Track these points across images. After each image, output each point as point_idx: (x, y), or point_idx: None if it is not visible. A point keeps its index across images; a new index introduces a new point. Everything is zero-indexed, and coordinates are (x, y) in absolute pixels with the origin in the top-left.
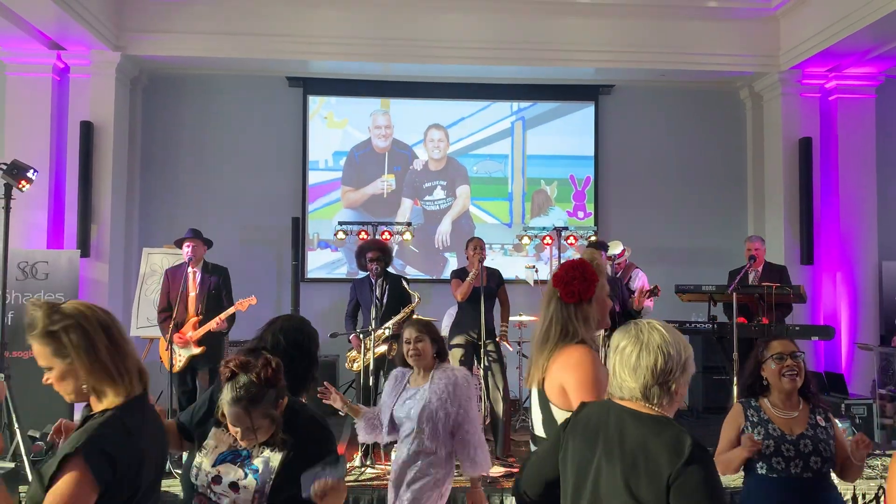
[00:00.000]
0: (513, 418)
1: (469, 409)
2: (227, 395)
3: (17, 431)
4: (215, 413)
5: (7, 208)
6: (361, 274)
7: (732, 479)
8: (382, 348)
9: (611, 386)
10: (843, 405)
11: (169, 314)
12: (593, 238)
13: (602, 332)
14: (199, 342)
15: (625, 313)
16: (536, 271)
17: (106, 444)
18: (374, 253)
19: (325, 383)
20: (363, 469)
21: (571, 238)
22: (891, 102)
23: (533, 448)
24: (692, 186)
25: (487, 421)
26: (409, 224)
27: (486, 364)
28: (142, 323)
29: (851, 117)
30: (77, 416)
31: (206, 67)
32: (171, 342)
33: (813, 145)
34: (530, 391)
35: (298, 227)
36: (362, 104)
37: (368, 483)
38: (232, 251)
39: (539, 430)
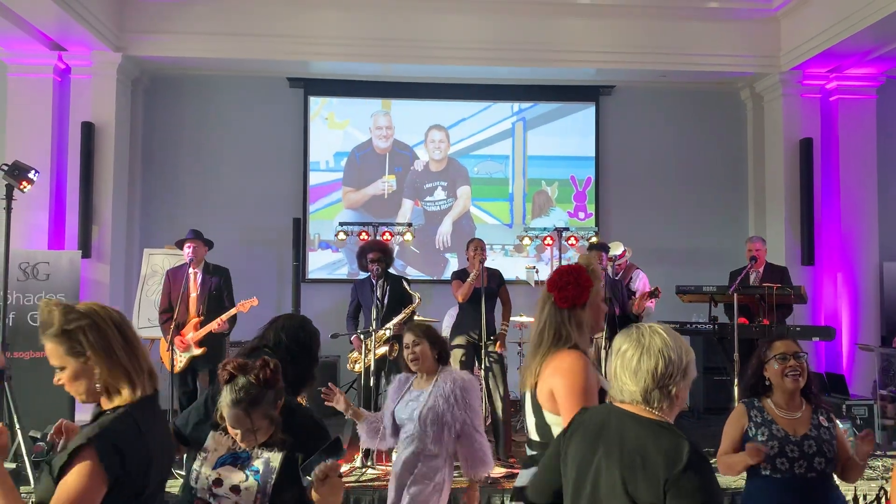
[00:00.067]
0: (514, 419)
1: (476, 413)
2: (226, 397)
3: (19, 432)
4: (213, 416)
5: (8, 209)
6: (362, 275)
7: (734, 481)
8: (383, 349)
9: (612, 389)
10: (843, 406)
11: (170, 315)
12: (594, 239)
13: (603, 334)
14: (200, 343)
15: (624, 316)
16: (537, 272)
17: (117, 439)
18: (375, 254)
19: (329, 385)
20: (364, 469)
21: (572, 239)
22: (892, 103)
23: (529, 452)
24: (693, 187)
25: (488, 422)
26: (409, 225)
27: (487, 365)
28: (143, 323)
29: (852, 118)
30: (78, 417)
31: (207, 68)
32: (171, 343)
33: (814, 146)
34: (524, 395)
35: (299, 228)
36: (363, 105)
37: (369, 483)
38: (233, 252)
39: (533, 434)
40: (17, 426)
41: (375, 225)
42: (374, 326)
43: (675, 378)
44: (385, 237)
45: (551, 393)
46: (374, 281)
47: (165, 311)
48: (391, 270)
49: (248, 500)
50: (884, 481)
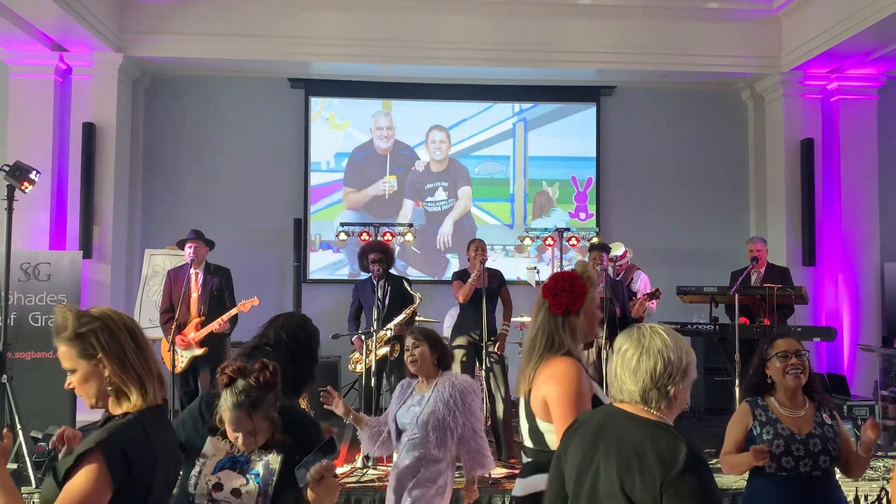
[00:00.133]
0: (514, 419)
1: (476, 417)
2: (227, 400)
3: (20, 433)
4: (212, 421)
5: (10, 209)
6: (363, 275)
7: (735, 481)
8: (384, 350)
9: (612, 388)
10: (845, 406)
11: (171, 315)
12: (595, 239)
13: (603, 335)
14: (201, 343)
15: (625, 317)
16: (538, 272)
17: (125, 444)
18: (376, 254)
19: (328, 387)
20: (365, 470)
21: (573, 239)
22: (893, 104)
23: (525, 459)
24: (694, 187)
25: (489, 422)
26: (410, 225)
27: (488, 365)
28: (144, 324)
29: (853, 119)
30: (79, 418)
31: (208, 69)
32: (173, 343)
33: (815, 147)
34: (518, 400)
35: (300, 229)
36: (364, 105)
37: (370, 484)
38: (234, 252)
39: (527, 441)
40: (19, 426)
41: (376, 225)
42: (375, 327)
43: (675, 379)
44: (386, 238)
45: (544, 401)
46: (375, 281)
47: (166, 312)
48: (392, 271)
49: (249, 503)
50: (885, 482)
